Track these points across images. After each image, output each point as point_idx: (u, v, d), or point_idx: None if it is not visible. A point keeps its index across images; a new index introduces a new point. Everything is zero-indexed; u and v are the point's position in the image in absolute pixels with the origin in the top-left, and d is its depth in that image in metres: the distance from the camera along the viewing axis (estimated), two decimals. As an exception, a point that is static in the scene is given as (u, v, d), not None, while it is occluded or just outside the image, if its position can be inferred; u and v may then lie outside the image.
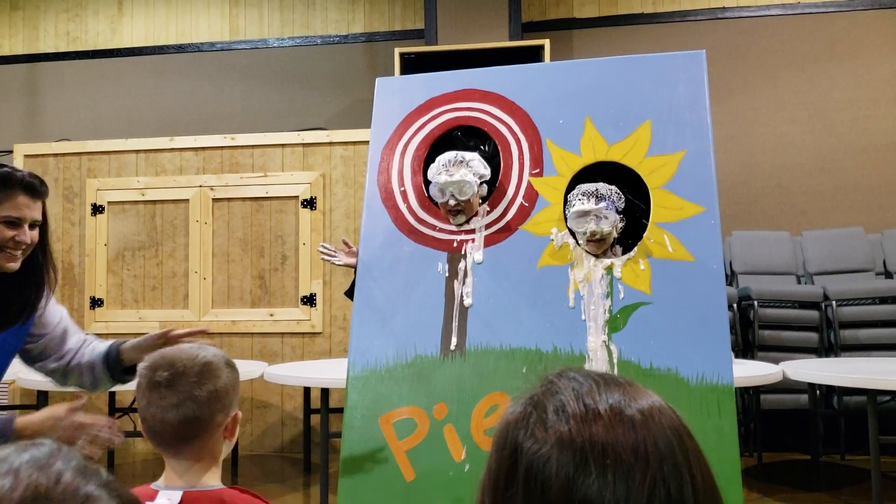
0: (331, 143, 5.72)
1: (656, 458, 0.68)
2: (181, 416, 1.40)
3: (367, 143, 4.85)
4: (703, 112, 2.56)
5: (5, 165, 1.94)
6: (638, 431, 0.69)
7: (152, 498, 1.40)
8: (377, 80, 3.02)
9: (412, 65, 5.67)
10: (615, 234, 2.58)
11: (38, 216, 1.96)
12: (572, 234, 2.59)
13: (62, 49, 7.22)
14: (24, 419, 1.88)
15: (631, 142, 2.58)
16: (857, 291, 5.29)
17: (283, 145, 5.76)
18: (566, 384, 0.74)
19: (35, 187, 1.95)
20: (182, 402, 1.40)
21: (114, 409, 5.27)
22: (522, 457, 0.69)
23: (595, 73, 2.69)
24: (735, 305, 5.30)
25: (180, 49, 7.03)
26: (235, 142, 5.80)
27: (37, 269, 2.03)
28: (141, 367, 1.48)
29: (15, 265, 1.94)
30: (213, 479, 1.45)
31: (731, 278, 5.80)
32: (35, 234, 1.97)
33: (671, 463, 0.68)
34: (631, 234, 2.61)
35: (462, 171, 2.63)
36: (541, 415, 0.72)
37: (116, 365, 2.13)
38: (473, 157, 2.67)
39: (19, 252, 1.93)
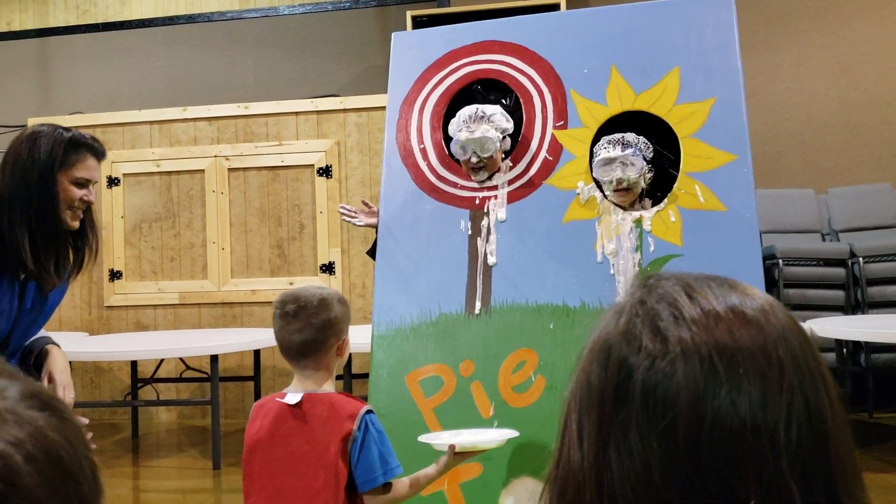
0: (344, 110, 5.65)
1: (790, 363, 0.59)
2: (303, 338, 1.81)
3: (381, 108, 4.77)
4: (733, 57, 2.47)
5: (70, 129, 2.06)
6: (766, 333, 0.60)
7: (283, 398, 1.83)
8: (393, 34, 2.95)
9: (425, 28, 5.56)
10: (644, 185, 2.50)
11: (98, 177, 2.12)
12: (599, 187, 2.52)
13: (72, 22, 7.14)
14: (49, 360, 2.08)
15: (659, 90, 2.49)
16: (885, 248, 5.19)
17: (296, 113, 5.69)
18: (673, 286, 0.64)
19: (100, 150, 2.11)
20: (304, 328, 1.80)
21: (136, 380, 5.28)
22: (636, 372, 0.60)
23: (620, 19, 2.60)
24: (759, 264, 5.21)
25: (190, 20, 6.94)
26: (249, 110, 5.73)
27: (86, 227, 2.14)
28: (275, 301, 1.87)
29: (77, 223, 2.08)
30: (328, 388, 1.86)
31: (754, 238, 5.71)
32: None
33: (805, 368, 0.60)
34: (660, 186, 2.53)
35: (483, 126, 2.55)
36: (653, 323, 0.61)
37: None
38: (495, 111, 2.59)
39: (81, 211, 2.08)
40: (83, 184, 2.05)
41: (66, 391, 2.06)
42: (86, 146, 2.06)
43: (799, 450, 0.57)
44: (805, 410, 0.58)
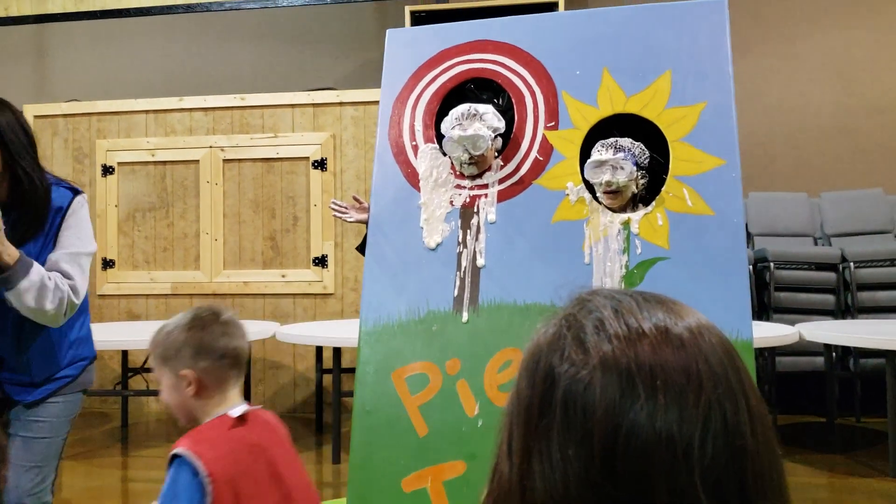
0: (341, 104, 5.65)
1: (710, 380, 0.61)
2: (246, 345, 1.75)
3: (377, 103, 4.77)
4: (725, 62, 2.48)
5: None
6: (688, 351, 0.62)
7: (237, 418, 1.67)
8: (388, 31, 2.96)
9: (423, 23, 5.57)
10: (635, 190, 2.51)
11: None
12: (590, 188, 2.54)
13: (70, 9, 7.12)
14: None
15: (650, 93, 2.50)
16: (876, 253, 5.21)
17: (292, 105, 5.69)
18: (602, 302, 0.67)
19: None
20: (243, 335, 1.76)
21: (126, 370, 5.28)
22: (559, 382, 0.62)
23: (613, 22, 2.61)
24: (751, 267, 5.23)
25: (189, 9, 6.92)
26: (245, 102, 5.73)
27: (24, 190, 1.98)
28: (195, 314, 1.77)
29: None
30: None
31: (746, 239, 5.73)
32: None
33: (725, 385, 0.62)
34: (650, 189, 2.55)
35: (476, 124, 2.56)
36: (577, 335, 0.64)
37: None
38: (487, 110, 2.60)
39: None
40: None
41: None
42: None
43: (713, 464, 0.58)
44: (722, 426, 0.60)
